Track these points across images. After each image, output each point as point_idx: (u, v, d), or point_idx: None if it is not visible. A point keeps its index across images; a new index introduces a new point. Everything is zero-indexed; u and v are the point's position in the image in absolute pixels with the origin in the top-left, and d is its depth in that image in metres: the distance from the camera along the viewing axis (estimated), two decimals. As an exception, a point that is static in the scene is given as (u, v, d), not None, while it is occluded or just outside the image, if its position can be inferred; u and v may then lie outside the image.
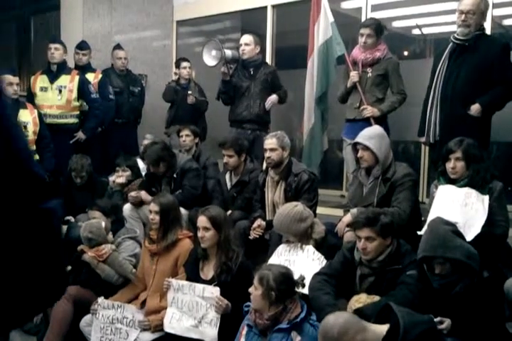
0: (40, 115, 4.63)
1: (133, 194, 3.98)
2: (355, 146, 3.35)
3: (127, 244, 3.48)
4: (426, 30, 5.43)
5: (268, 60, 5.77)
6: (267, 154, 3.61)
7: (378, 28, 4.07)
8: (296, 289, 2.54)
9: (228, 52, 4.60)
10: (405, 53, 5.61)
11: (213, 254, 2.94)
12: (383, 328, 2.00)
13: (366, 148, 3.26)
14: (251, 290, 2.49)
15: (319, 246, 3.06)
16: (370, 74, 4.09)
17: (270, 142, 3.62)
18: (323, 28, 4.44)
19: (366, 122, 3.98)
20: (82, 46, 5.21)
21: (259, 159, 4.34)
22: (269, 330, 2.47)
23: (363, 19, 5.08)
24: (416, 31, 5.61)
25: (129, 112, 5.46)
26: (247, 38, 4.67)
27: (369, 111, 3.99)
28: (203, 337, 2.72)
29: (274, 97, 4.65)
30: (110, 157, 4.94)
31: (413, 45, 5.64)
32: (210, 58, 4.64)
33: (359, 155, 3.30)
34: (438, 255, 2.45)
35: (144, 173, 4.41)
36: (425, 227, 2.81)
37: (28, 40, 6.73)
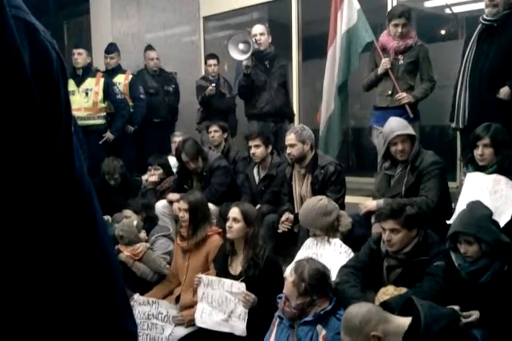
0: (73, 118, 4.78)
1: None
2: (389, 142, 3.27)
3: (161, 242, 3.59)
4: (458, 10, 5.24)
5: (294, 50, 5.73)
6: (288, 150, 3.61)
7: (410, 15, 3.98)
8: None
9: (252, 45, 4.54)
10: (437, 34, 5.44)
11: (241, 250, 2.99)
12: (406, 321, 1.99)
13: (405, 139, 3.21)
14: (286, 275, 2.60)
15: (346, 239, 3.06)
16: (402, 62, 4.00)
17: (289, 138, 3.61)
18: (346, 16, 4.36)
19: (399, 109, 3.90)
20: (109, 50, 5.34)
21: (284, 150, 4.33)
22: (296, 322, 2.51)
23: (389, 3, 4.96)
24: (447, 11, 5.43)
25: (167, 111, 5.58)
26: (261, 28, 4.63)
27: (405, 98, 3.91)
28: (233, 330, 2.78)
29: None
30: (147, 156, 5.07)
31: (445, 26, 5.46)
32: (237, 52, 4.56)
33: (400, 148, 3.21)
34: (471, 232, 2.41)
35: (175, 170, 4.50)
36: (454, 216, 2.77)
37: (62, 45, 6.92)
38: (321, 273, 2.51)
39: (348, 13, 4.34)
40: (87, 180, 0.56)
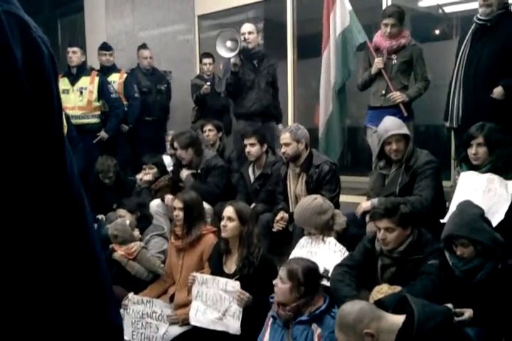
0: (67, 117, 4.76)
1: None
2: (383, 141, 3.28)
3: (155, 241, 3.58)
4: (452, 10, 5.26)
5: (289, 49, 5.74)
6: (282, 149, 3.61)
7: (401, 15, 3.99)
8: (320, 282, 2.58)
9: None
10: (431, 34, 5.45)
11: (235, 248, 2.99)
12: (399, 318, 1.99)
13: (400, 139, 3.22)
14: (276, 282, 2.51)
15: (341, 238, 3.06)
16: (395, 61, 4.01)
17: (284, 137, 3.61)
18: (340, 17, 4.36)
19: (393, 109, 3.92)
20: (107, 47, 5.32)
21: (273, 149, 4.32)
22: (291, 322, 2.51)
23: (384, 2, 4.97)
24: (441, 11, 5.44)
25: (159, 110, 5.57)
26: (249, 27, 4.60)
27: (399, 97, 3.92)
28: (227, 329, 2.78)
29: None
30: (140, 155, 5.05)
31: (439, 26, 5.48)
32: (225, 49, 4.47)
33: (394, 148, 3.23)
34: (463, 235, 2.42)
35: (169, 169, 4.49)
36: (448, 215, 2.78)
37: (56, 43, 6.89)
38: (313, 271, 2.52)
39: (341, 15, 4.35)
40: (77, 180, 0.56)
